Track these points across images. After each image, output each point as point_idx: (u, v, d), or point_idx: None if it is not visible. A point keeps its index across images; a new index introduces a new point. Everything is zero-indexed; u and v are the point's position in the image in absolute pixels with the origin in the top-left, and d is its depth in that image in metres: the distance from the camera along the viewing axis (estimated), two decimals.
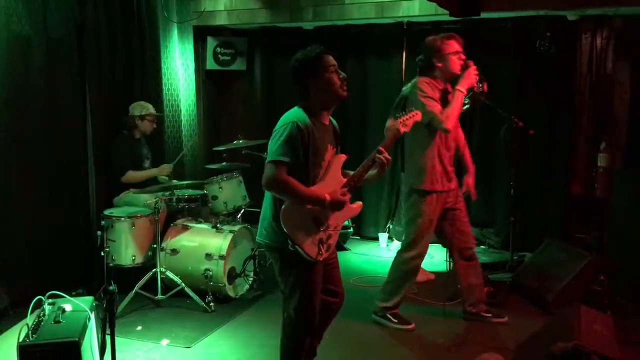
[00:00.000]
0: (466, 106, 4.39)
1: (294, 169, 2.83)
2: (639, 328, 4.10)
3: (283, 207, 2.85)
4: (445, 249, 4.43)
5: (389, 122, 4.90)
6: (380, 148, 3.01)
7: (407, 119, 3.18)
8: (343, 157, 3.09)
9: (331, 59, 2.95)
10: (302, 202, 2.86)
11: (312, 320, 3.05)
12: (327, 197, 2.86)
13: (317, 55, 2.94)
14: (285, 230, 2.85)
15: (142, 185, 5.00)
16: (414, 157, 4.11)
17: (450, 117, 3.92)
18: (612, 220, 5.13)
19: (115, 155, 5.09)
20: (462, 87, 3.95)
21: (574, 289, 4.42)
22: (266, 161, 2.86)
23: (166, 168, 5.23)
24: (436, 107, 3.92)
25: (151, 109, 5.22)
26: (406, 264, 4.17)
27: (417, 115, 3.22)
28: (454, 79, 4.03)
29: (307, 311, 3.01)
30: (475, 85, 4.03)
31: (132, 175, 5.07)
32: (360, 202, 3.17)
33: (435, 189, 4.05)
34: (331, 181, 2.99)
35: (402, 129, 3.15)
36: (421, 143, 4.05)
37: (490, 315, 4.32)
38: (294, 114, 2.91)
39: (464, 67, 3.99)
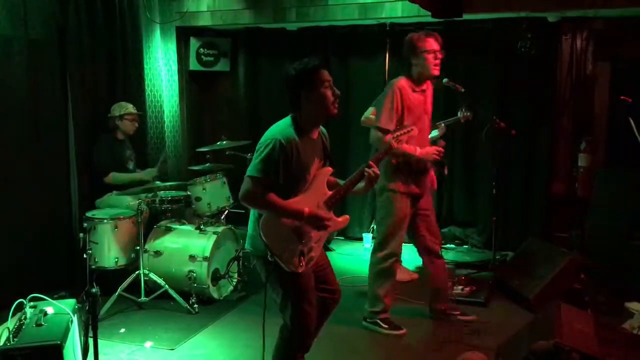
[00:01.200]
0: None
1: (277, 184, 2.82)
2: (619, 326, 4.16)
3: (262, 218, 2.85)
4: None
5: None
6: (371, 162, 2.99)
7: (400, 134, 3.15)
8: (329, 170, 3.06)
9: (327, 74, 2.90)
10: (280, 215, 2.85)
11: (308, 328, 3.01)
12: (306, 210, 2.84)
13: (314, 68, 2.87)
14: (264, 240, 2.84)
15: (126, 187, 4.97)
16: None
17: (378, 138, 3.92)
18: (592, 219, 5.19)
19: (96, 157, 5.06)
20: (415, 152, 3.92)
21: (556, 288, 4.46)
22: (245, 175, 2.85)
23: (151, 172, 5.17)
24: (386, 118, 3.91)
25: (130, 108, 5.17)
26: (378, 264, 4.17)
27: (414, 131, 3.18)
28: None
29: (302, 319, 2.98)
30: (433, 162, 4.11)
31: (116, 176, 5.04)
32: (347, 216, 3.14)
33: (404, 190, 4.04)
34: (314, 194, 2.97)
35: (395, 145, 3.15)
36: None
37: (458, 313, 4.38)
38: (280, 129, 2.88)
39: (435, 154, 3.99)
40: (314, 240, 2.96)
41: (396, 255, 4.17)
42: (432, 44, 3.95)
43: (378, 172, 2.98)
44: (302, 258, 2.90)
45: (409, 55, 3.99)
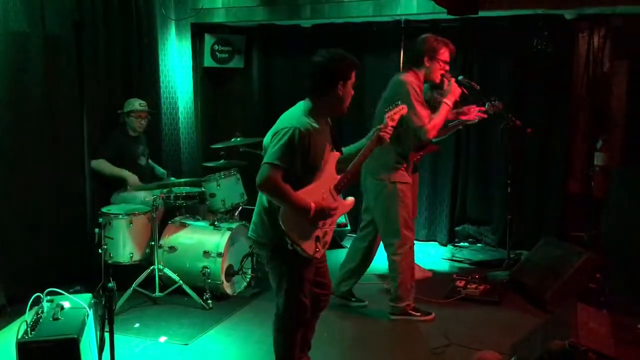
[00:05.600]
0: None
1: (292, 171, 2.85)
2: (635, 325, 4.12)
3: (282, 208, 2.87)
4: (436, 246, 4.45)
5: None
6: (381, 126, 3.10)
7: (394, 113, 3.20)
8: (337, 155, 3.12)
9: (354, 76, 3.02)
10: (289, 207, 2.86)
11: (301, 315, 3.08)
12: (312, 205, 2.87)
13: (354, 65, 2.98)
14: (283, 228, 2.86)
15: (119, 184, 5.02)
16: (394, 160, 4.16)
17: (436, 127, 4.02)
18: (608, 218, 5.14)
19: (100, 148, 5.06)
20: (449, 100, 4.07)
21: (571, 287, 4.43)
22: (263, 162, 2.86)
23: (134, 178, 5.07)
24: (424, 114, 4.00)
25: (136, 105, 5.14)
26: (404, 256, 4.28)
27: (403, 109, 3.26)
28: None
29: (296, 306, 3.04)
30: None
31: (102, 165, 4.97)
32: (353, 198, 3.22)
33: (407, 180, 4.20)
34: (326, 179, 3.02)
35: (390, 124, 3.17)
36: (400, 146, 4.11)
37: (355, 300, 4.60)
38: (297, 117, 2.91)
39: (445, 79, 4.12)
40: (328, 224, 3.02)
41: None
42: (447, 55, 4.12)
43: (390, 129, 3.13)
44: (318, 243, 2.96)
45: (424, 55, 4.09)
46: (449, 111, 4.10)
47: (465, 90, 4.23)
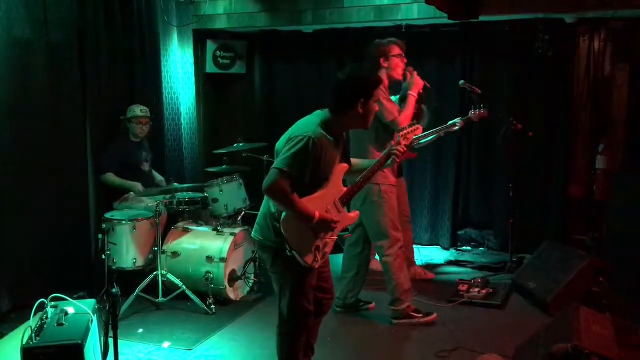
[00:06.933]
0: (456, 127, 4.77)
1: (301, 180, 2.86)
2: (638, 329, 4.12)
3: (284, 213, 2.89)
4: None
5: None
6: (393, 142, 3.15)
7: (407, 132, 3.24)
8: (345, 167, 3.11)
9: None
10: (293, 215, 2.87)
11: (304, 319, 3.09)
12: (316, 215, 2.88)
13: (376, 83, 3.00)
14: (284, 234, 2.88)
15: (121, 193, 5.03)
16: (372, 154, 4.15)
17: (408, 118, 4.10)
18: (610, 222, 5.14)
19: (104, 155, 5.08)
20: (413, 92, 4.20)
21: (574, 290, 4.43)
22: (273, 166, 2.87)
23: (136, 186, 5.06)
24: (394, 109, 4.15)
25: (137, 111, 5.16)
26: (395, 257, 4.30)
27: (418, 130, 3.29)
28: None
29: (300, 312, 3.05)
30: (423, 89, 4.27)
31: (110, 178, 5.03)
32: (357, 212, 3.29)
33: (394, 182, 4.27)
34: (332, 190, 3.03)
35: (404, 142, 3.20)
36: (377, 141, 4.16)
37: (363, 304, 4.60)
38: (313, 127, 2.89)
39: (408, 73, 4.23)
40: (329, 235, 3.03)
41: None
42: (398, 49, 4.24)
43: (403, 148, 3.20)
44: (317, 253, 2.97)
45: (379, 59, 4.24)
46: (415, 101, 4.20)
47: (427, 84, 4.30)
